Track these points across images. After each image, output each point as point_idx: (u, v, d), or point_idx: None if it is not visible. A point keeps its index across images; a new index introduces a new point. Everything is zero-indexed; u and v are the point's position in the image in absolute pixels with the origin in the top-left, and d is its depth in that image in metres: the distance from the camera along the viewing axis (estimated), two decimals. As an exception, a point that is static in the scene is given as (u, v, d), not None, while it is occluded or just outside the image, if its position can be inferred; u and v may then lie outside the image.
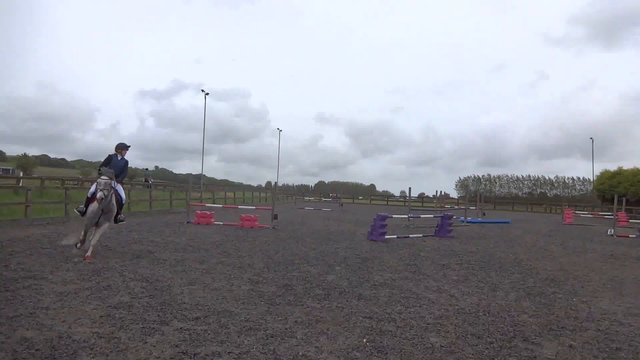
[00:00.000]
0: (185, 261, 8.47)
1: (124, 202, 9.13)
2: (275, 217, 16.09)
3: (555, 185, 68.51)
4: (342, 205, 35.63)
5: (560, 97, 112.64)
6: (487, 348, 4.51)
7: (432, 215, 18.34)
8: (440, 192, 37.21)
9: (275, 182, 35.29)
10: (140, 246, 10.01)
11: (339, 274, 8.03)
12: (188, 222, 16.21)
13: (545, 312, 6.00)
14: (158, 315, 5.03)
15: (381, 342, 4.56)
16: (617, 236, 18.56)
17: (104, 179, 8.02)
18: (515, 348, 4.55)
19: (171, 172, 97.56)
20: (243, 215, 16.41)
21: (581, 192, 65.07)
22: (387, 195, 70.07)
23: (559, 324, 5.50)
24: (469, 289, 7.29)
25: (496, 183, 71.90)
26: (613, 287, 7.89)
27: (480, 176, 73.11)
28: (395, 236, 14.34)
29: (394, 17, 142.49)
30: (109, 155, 8.99)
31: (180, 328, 4.64)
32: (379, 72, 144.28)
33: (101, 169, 8.12)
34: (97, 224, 8.29)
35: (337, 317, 5.33)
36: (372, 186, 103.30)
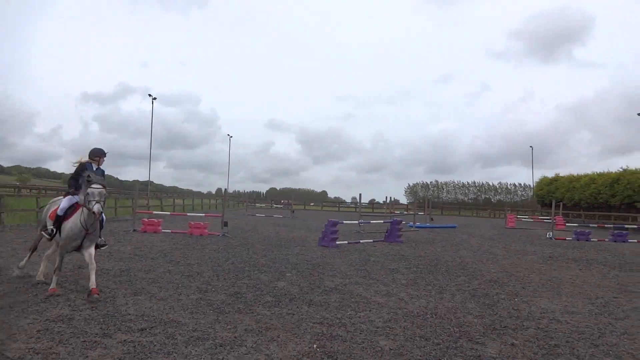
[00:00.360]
0: (130, 271, 8.19)
1: (104, 222, 7.19)
2: (225, 224, 15.85)
3: (499, 191, 71.34)
4: (293, 211, 35.55)
5: (502, 108, 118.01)
6: (435, 349, 4.62)
7: (382, 221, 18.62)
8: (390, 198, 37.87)
9: (226, 189, 34.83)
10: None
11: (289, 280, 8.00)
12: (134, 230, 15.70)
13: (489, 313, 6.21)
14: (100, 328, 4.83)
15: (331, 347, 4.57)
16: (555, 239, 19.50)
17: (97, 188, 6.26)
18: (461, 348, 4.68)
19: (117, 178, 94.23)
20: (192, 223, 16.06)
21: (522, 198, 68.02)
22: (338, 202, 70.54)
23: (502, 323, 5.70)
24: (418, 292, 7.44)
25: (443, 189, 74.08)
26: (551, 287, 8.27)
27: (429, 182, 75.21)
28: (346, 242, 14.46)
29: (345, 26, 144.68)
30: (82, 164, 6.89)
31: (124, 340, 4.48)
32: (330, 79, 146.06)
33: (91, 176, 6.34)
34: (79, 249, 6.49)
35: (287, 324, 5.30)
36: (324, 192, 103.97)
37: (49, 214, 6.85)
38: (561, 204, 33.66)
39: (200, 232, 15.51)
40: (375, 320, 5.61)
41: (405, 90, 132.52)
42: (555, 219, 22.61)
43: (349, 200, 77.82)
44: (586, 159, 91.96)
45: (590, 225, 25.54)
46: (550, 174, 49.97)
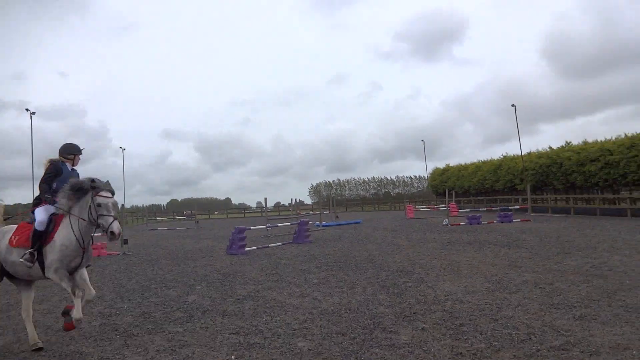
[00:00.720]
0: (19, 303, 7.41)
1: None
2: (125, 241, 14.96)
3: (397, 184, 74.73)
4: (197, 222, 34.47)
5: (393, 105, 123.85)
6: (352, 344, 4.71)
7: (289, 223, 18.70)
8: (295, 199, 38.21)
9: (122, 204, 32.78)
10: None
11: (200, 293, 7.73)
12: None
13: (399, 301, 6.47)
14: (-12, 371, 4.31)
15: (250, 355, 4.48)
16: (451, 225, 20.86)
17: (109, 197, 4.92)
18: (376, 339, 4.82)
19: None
20: (88, 244, 14.95)
21: (419, 189, 71.86)
22: (243, 208, 69.64)
23: (411, 310, 5.97)
24: (330, 289, 7.55)
25: (345, 187, 76.10)
26: (452, 271, 8.82)
27: (331, 181, 76.81)
28: (255, 247, 14.31)
29: (235, 30, 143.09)
30: (54, 163, 5.39)
31: (19, 380, 4.03)
32: (224, 85, 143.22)
33: (96, 180, 4.95)
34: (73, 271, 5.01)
35: (201, 339, 5.11)
36: (228, 200, 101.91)
37: (6, 242, 5.11)
38: (453, 192, 36.13)
39: (97, 253, 14.48)
40: (292, 323, 5.60)
41: (300, 92, 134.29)
42: (449, 207, 24.20)
43: (254, 205, 77.29)
44: (471, 148, 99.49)
45: (480, 209, 27.68)
46: (441, 164, 53.38)
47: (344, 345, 4.68)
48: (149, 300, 7.25)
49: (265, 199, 22.71)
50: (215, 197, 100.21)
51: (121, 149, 53.29)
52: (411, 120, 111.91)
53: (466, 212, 26.06)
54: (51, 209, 5.07)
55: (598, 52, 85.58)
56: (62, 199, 4.94)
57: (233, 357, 4.47)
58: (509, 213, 22.19)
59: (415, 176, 72.82)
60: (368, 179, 75.34)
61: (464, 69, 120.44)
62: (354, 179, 75.86)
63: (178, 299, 7.27)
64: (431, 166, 64.36)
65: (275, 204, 69.49)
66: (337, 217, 32.24)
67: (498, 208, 25.44)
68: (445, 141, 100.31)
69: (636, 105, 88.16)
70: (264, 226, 17.63)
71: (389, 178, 74.69)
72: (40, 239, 4.89)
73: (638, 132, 23.79)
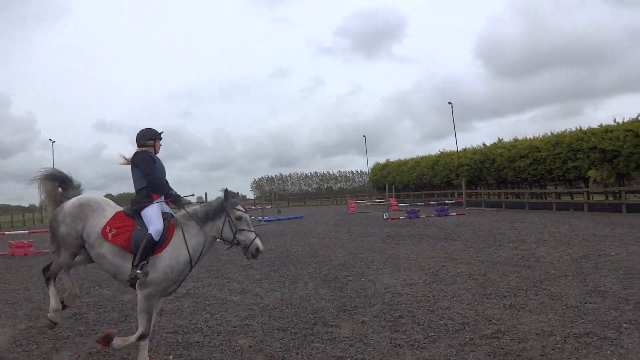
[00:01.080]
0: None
1: None
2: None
3: (339, 179, 75.68)
4: (135, 217, 33.35)
5: (335, 101, 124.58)
6: (293, 339, 4.71)
7: (230, 218, 18.44)
8: (238, 194, 37.69)
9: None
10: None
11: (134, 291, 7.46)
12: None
13: (340, 295, 6.55)
14: None
15: (189, 355, 4.39)
16: (391, 219, 21.35)
17: (244, 212, 4.45)
18: (318, 333, 4.85)
19: None
20: (13, 243, 14.06)
21: (360, 184, 73.10)
22: (183, 203, 67.90)
23: (352, 303, 6.06)
24: (272, 285, 7.53)
25: (288, 181, 76.14)
26: (392, 264, 9.02)
27: (274, 176, 76.57)
28: (195, 243, 13.99)
29: (175, 18, 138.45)
30: (144, 153, 4.48)
31: None
32: (163, 77, 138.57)
33: (228, 191, 4.40)
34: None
35: (138, 339, 4.94)
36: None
37: (99, 229, 4.16)
38: (393, 186, 36.97)
39: (24, 252, 13.65)
40: (232, 320, 5.53)
41: (242, 86, 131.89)
42: (389, 201, 24.75)
43: (194, 200, 75.56)
44: (410, 144, 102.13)
45: (418, 203, 28.53)
46: (382, 160, 54.41)
47: (285, 340, 4.68)
48: (80, 301, 6.91)
49: (206, 193, 22.15)
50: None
51: (50, 141, 50.44)
52: (353, 116, 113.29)
53: (405, 206, 26.78)
54: (165, 208, 4.44)
55: (527, 55, 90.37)
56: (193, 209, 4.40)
57: (171, 357, 4.36)
58: (445, 207, 23.00)
59: (357, 171, 74.05)
60: (311, 173, 75.83)
61: (403, 67, 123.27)
62: (297, 174, 76.10)
63: (113, 299, 6.99)
64: (372, 161, 65.71)
65: (216, 199, 68.24)
66: (280, 211, 32.18)
67: (435, 202, 26.31)
68: (385, 137, 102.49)
69: (562, 104, 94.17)
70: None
71: (332, 173, 75.56)
72: (153, 251, 4.08)
73: (563, 130, 25.34)
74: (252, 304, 6.28)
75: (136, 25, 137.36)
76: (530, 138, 27.93)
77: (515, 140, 29.22)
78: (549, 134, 26.25)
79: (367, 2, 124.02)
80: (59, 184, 4.58)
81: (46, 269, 4.49)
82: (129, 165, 4.49)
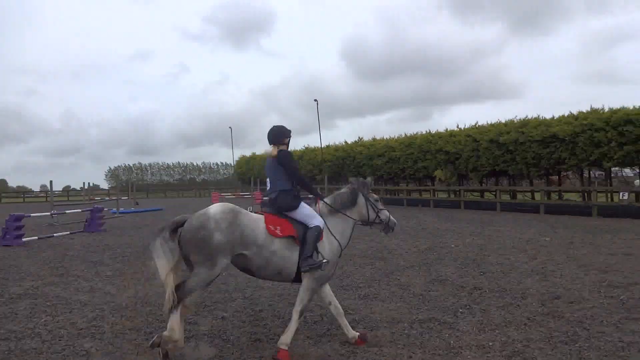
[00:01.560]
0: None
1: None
2: None
3: (203, 170, 73.56)
4: (-40, 207, 28.86)
5: (201, 89, 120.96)
6: (147, 339, 4.43)
7: (80, 210, 16.88)
8: (89, 183, 34.74)
9: None
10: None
11: (-42, 293, 6.45)
12: None
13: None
14: None
15: (22, 364, 3.89)
16: (256, 212, 21.35)
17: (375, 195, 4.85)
18: (174, 332, 4.63)
19: None
20: None
21: (225, 176, 71.91)
22: (23, 191, 60.56)
23: (212, 299, 5.92)
24: (125, 282, 7.04)
25: (148, 171, 72.02)
26: (254, 257, 9.00)
27: (132, 165, 71.82)
28: (36, 237, 12.55)
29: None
30: (287, 152, 4.59)
31: None
32: (4, 48, 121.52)
33: (361, 181, 4.77)
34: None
35: (-43, 349, 4.26)
36: (3, 181, 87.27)
37: (263, 230, 4.17)
38: (258, 180, 37.02)
39: None
40: (78, 322, 5.05)
41: (96, 66, 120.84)
42: (254, 195, 24.73)
43: (37, 189, 67.96)
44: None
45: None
46: (248, 152, 54.28)
47: (138, 341, 4.40)
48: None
49: (51, 181, 20.01)
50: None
51: None
52: (219, 106, 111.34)
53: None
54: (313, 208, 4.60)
55: (386, 60, 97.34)
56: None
57: (0, 367, 3.83)
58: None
59: (222, 163, 72.69)
60: (173, 163, 72.57)
61: (271, 61, 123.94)
62: (158, 163, 72.27)
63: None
64: (238, 153, 65.02)
65: (64, 188, 62.04)
66: (137, 203, 30.34)
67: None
68: (251, 129, 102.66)
69: (414, 108, 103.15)
70: (49, 213, 15.57)
71: (195, 164, 73.14)
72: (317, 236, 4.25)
73: (415, 132, 27.64)
74: (102, 304, 5.80)
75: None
76: (387, 138, 29.94)
77: (374, 139, 31.11)
78: (403, 135, 28.43)
79: None
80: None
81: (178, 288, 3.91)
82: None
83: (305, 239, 4.17)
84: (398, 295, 5.89)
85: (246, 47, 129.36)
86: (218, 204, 4.25)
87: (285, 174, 4.45)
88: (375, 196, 4.80)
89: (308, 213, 4.40)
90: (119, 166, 71.21)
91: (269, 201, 4.49)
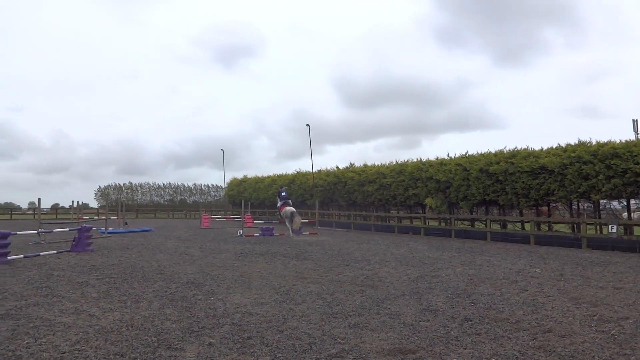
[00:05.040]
0: None
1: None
2: None
3: (194, 192, 73.09)
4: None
5: (192, 111, 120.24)
6: (131, 365, 4.34)
7: (68, 229, 16.66)
8: (78, 202, 34.33)
9: None
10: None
11: (-62, 312, 6.29)
12: None
13: (187, 315, 6.25)
14: None
15: (1, 388, 3.77)
16: (245, 236, 21.22)
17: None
18: (160, 358, 4.54)
19: None
20: None
21: (215, 198, 71.50)
22: (10, 208, 59.80)
23: (199, 324, 5.81)
24: (111, 304, 6.90)
25: (138, 191, 71.43)
26: (243, 282, 8.91)
27: (122, 184, 71.24)
28: (21, 256, 12.33)
29: (19, 3, 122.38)
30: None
31: None
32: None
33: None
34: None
35: None
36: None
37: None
38: (249, 203, 36.88)
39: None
40: (61, 345, 4.92)
41: (86, 84, 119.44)
42: (245, 217, 24.60)
43: (25, 206, 67.15)
44: (266, 162, 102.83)
45: (273, 221, 28.82)
46: (239, 175, 54.06)
47: (123, 367, 4.29)
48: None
49: (40, 199, 19.80)
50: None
51: None
52: (209, 128, 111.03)
53: (261, 223, 26.87)
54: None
55: (374, 88, 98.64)
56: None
57: (-22, 392, 3.71)
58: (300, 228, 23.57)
59: (213, 185, 72.32)
60: (164, 184, 72.06)
61: (261, 85, 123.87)
62: (148, 184, 71.72)
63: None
64: (229, 176, 64.69)
65: (52, 206, 61.34)
66: (126, 223, 30.00)
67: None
68: (241, 152, 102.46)
69: (402, 136, 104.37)
70: (36, 231, 15.35)
71: (186, 185, 72.69)
72: None
73: (406, 160, 27.80)
74: (87, 326, 5.67)
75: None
76: (378, 165, 30.07)
77: (365, 165, 31.22)
78: (394, 162, 28.57)
79: (224, 16, 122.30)
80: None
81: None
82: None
83: None
84: (388, 325, 5.83)
85: (235, 70, 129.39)
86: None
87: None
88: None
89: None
90: (109, 185, 70.50)
91: None
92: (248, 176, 48.06)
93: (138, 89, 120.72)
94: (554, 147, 19.64)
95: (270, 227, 22.44)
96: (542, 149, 20.11)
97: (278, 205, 23.72)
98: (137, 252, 14.28)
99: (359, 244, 17.60)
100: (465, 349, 4.88)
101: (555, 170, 18.45)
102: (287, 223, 21.70)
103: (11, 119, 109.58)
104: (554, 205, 21.31)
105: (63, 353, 4.67)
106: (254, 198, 42.64)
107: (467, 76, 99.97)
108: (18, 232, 13.86)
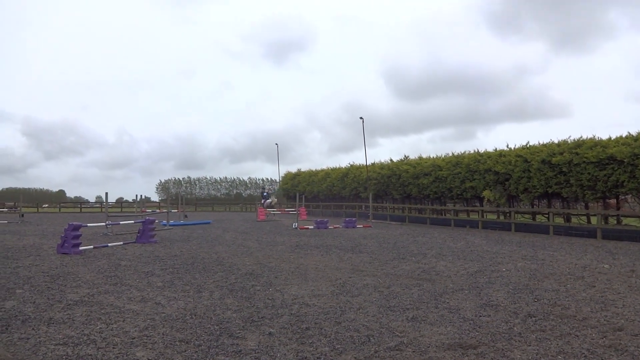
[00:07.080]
0: None
1: None
2: None
3: (249, 185, 74.74)
4: (22, 215, 30.45)
5: (244, 106, 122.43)
6: (196, 351, 4.50)
7: (132, 221, 17.49)
8: (141, 196, 35.91)
9: None
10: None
11: (21, 298, 6.79)
12: None
13: (247, 306, 6.41)
14: None
15: (79, 370, 4.02)
16: (300, 228, 21.46)
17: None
18: (222, 345, 4.68)
19: None
20: None
21: (270, 191, 72.76)
22: (80, 202, 63.48)
23: (259, 314, 5.95)
24: (175, 293, 7.19)
25: (196, 185, 73.84)
26: (300, 274, 9.03)
27: (181, 179, 73.85)
28: (91, 246, 13.08)
29: (72, 7, 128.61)
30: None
31: None
32: (60, 64, 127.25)
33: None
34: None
35: (20, 352, 4.46)
36: (62, 192, 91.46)
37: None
38: (304, 196, 37.24)
39: None
40: (131, 331, 5.19)
41: (146, 83, 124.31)
42: (299, 210, 24.88)
43: (92, 199, 71.02)
44: (319, 155, 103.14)
45: (327, 214, 28.96)
46: (292, 169, 54.74)
47: (188, 353, 4.46)
48: None
49: (107, 193, 20.84)
50: (46, 188, 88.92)
51: None
52: (262, 123, 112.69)
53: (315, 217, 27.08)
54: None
55: (426, 79, 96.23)
56: None
57: (58, 372, 3.97)
58: (354, 219, 23.57)
59: (267, 178, 73.54)
60: (220, 178, 74.04)
61: (311, 79, 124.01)
62: (205, 178, 73.93)
63: None
64: (283, 170, 65.54)
65: (117, 200, 64.51)
66: (186, 216, 31.12)
67: (343, 214, 26.83)
68: (293, 146, 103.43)
69: (456, 127, 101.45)
70: (103, 223, 16.22)
71: (241, 179, 74.34)
72: None
73: (463, 151, 27.12)
74: (153, 314, 5.95)
75: (26, 10, 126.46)
76: (433, 157, 29.51)
77: (420, 158, 30.73)
78: (450, 154, 27.94)
79: (276, 11, 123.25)
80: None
81: None
82: None
83: None
84: (447, 319, 5.73)
85: (287, 65, 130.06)
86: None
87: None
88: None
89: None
90: (169, 179, 73.33)
91: None
92: (302, 170, 48.55)
93: (194, 86, 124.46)
94: (624, 135, 18.54)
95: (325, 220, 22.55)
96: (610, 138, 19.02)
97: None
98: (197, 244, 14.77)
99: (415, 237, 17.38)
100: (530, 345, 4.72)
101: (625, 160, 17.40)
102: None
103: (78, 117, 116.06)
104: (623, 197, 20.12)
105: (133, 338, 4.92)
106: (307, 191, 43.00)
107: (525, 63, 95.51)
108: (88, 224, 14.69)
